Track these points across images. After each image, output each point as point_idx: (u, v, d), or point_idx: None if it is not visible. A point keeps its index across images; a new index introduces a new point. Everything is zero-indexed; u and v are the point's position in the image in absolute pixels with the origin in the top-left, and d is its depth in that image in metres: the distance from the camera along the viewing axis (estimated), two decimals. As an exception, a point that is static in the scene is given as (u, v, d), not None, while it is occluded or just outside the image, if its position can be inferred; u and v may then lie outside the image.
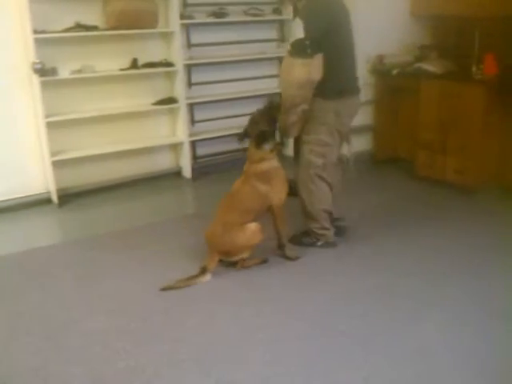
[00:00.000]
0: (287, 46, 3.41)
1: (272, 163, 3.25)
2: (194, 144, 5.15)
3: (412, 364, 2.43)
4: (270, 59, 5.36)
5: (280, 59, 5.36)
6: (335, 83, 3.24)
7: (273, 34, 5.35)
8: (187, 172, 5.04)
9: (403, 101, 5.08)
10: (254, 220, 3.21)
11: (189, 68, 4.95)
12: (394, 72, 4.81)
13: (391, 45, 5.10)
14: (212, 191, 4.37)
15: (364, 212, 4.15)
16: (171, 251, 3.54)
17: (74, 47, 4.37)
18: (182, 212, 4.37)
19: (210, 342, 2.62)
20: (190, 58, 4.90)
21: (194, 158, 5.20)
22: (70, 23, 4.21)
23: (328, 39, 3.16)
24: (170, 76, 4.87)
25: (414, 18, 5.17)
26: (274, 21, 5.29)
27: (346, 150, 3.84)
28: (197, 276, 3.12)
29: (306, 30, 3.14)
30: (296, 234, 3.61)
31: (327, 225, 3.51)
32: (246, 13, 5.06)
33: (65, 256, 3.60)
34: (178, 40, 4.67)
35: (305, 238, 3.57)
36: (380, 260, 3.42)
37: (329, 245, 3.54)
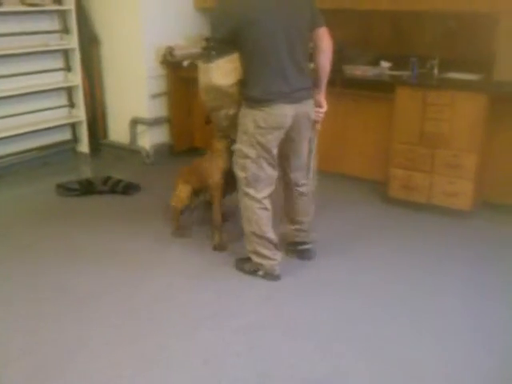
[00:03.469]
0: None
1: (219, 143, 3.32)
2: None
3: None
4: (54, 52, 5.05)
5: (65, 52, 5.11)
6: (254, 89, 2.82)
7: (54, 25, 5.04)
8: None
9: (195, 91, 5.19)
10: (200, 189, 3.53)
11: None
12: (185, 63, 4.89)
13: (179, 36, 5.15)
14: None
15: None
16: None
17: None
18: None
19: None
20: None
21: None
22: None
23: (242, 39, 2.75)
24: None
25: (198, 11, 5.30)
26: (54, 11, 4.98)
27: (303, 179, 3.19)
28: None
29: (212, 29, 2.86)
30: (242, 257, 3.23)
31: (265, 252, 3.03)
32: (22, 2, 4.68)
33: None
34: None
35: (247, 265, 3.15)
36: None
37: (270, 277, 3.08)
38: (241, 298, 2.96)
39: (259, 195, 2.96)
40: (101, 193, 4.39)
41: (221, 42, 2.79)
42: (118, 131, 5.42)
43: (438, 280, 3.13)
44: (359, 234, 3.71)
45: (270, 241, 3.03)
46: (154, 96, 5.13)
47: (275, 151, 2.94)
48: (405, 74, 4.12)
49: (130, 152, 5.32)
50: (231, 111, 2.95)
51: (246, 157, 2.92)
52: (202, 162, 3.54)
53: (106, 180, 4.46)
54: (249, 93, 2.85)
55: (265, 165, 2.93)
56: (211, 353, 2.53)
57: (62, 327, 2.73)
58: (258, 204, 2.97)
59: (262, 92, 2.81)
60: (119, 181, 4.46)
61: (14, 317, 2.81)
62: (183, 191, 3.57)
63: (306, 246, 3.32)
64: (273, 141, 2.89)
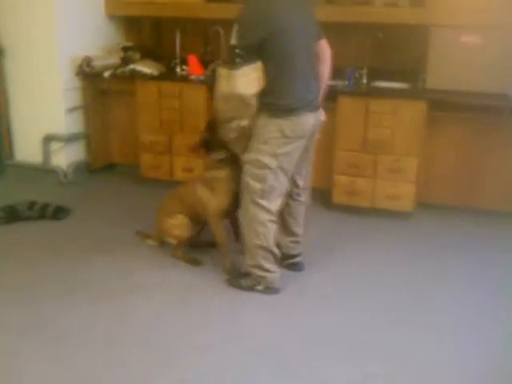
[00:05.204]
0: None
1: (218, 173, 3.17)
2: None
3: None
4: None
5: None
6: (281, 99, 2.75)
7: None
8: None
9: (116, 104, 4.91)
10: (193, 217, 3.32)
11: None
12: (107, 75, 4.58)
13: (91, 46, 4.83)
14: None
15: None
16: None
17: None
18: None
19: None
20: None
21: None
22: None
23: (268, 47, 2.67)
24: None
25: (110, 19, 5.02)
26: None
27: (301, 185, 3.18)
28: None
29: (239, 36, 2.68)
30: (235, 273, 3.15)
31: (268, 266, 2.96)
32: None
33: None
34: None
35: (244, 280, 3.06)
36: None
37: (270, 291, 3.02)
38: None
39: (272, 207, 2.89)
40: (27, 219, 3.95)
41: (247, 49, 2.69)
42: (26, 150, 4.93)
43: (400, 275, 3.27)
44: (325, 242, 3.74)
45: (274, 254, 2.98)
46: (71, 110, 4.74)
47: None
48: (339, 83, 4.24)
49: (42, 172, 4.86)
50: (243, 122, 2.82)
51: (265, 167, 2.82)
52: (185, 189, 3.39)
53: (32, 205, 4.02)
54: (275, 102, 2.77)
55: (282, 176, 2.86)
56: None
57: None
58: (269, 216, 2.90)
59: (290, 101, 2.77)
60: (47, 204, 4.04)
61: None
62: (177, 222, 3.32)
63: (299, 258, 3.29)
64: (297, 150, 2.86)
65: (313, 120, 2.86)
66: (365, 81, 4.37)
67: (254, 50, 2.69)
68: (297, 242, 3.26)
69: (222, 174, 3.16)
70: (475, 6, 3.85)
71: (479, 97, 3.84)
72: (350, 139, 4.06)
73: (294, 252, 3.27)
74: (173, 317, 2.85)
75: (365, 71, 4.37)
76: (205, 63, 4.60)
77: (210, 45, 4.83)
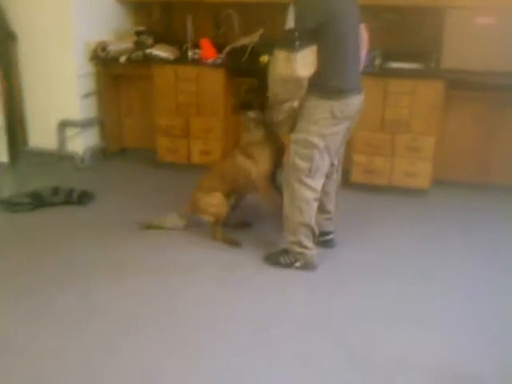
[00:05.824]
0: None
1: (254, 136, 3.30)
2: None
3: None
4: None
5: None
6: (333, 81, 2.86)
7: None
8: None
9: (130, 88, 4.94)
10: (235, 192, 3.42)
11: None
12: (123, 59, 4.59)
13: (103, 31, 4.83)
14: None
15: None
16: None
17: None
18: None
19: None
20: None
21: None
22: None
23: (324, 31, 2.77)
24: None
25: (119, 3, 5.01)
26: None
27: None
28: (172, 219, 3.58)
29: (297, 20, 2.74)
30: (272, 251, 3.24)
31: (308, 243, 3.08)
32: None
33: None
34: None
35: (282, 257, 3.15)
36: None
37: (308, 267, 3.12)
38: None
39: (317, 186, 3.01)
40: (53, 205, 3.99)
41: (305, 32, 2.76)
42: (41, 136, 4.93)
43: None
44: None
45: (313, 232, 3.10)
46: (85, 96, 4.76)
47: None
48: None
49: (58, 158, 4.87)
50: (295, 103, 2.91)
51: (314, 147, 2.92)
52: (225, 163, 3.49)
53: (56, 190, 4.06)
54: (327, 83, 2.87)
55: (326, 156, 2.98)
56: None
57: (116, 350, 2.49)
58: (314, 194, 3.02)
59: (341, 82, 2.89)
60: (71, 190, 4.08)
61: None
62: (215, 200, 3.38)
63: (332, 236, 3.40)
64: (343, 131, 2.99)
65: (358, 101, 2.99)
66: (378, 62, 4.46)
67: (312, 34, 2.78)
68: (330, 219, 3.37)
69: (258, 136, 3.30)
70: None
71: (494, 76, 3.95)
72: (368, 119, 4.12)
73: (327, 229, 3.38)
74: (220, 294, 2.95)
75: (378, 52, 4.45)
76: (217, 46, 4.64)
77: (222, 28, 4.87)
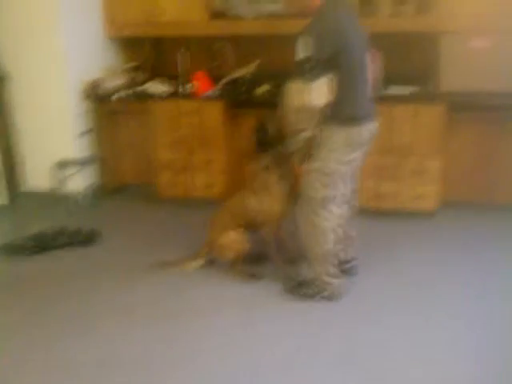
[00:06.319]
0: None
1: (269, 177, 3.22)
2: None
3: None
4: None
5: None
6: (347, 108, 2.88)
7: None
8: None
9: (127, 124, 4.89)
10: (247, 228, 3.32)
11: None
12: (117, 96, 4.54)
13: (96, 69, 4.79)
14: None
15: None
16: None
17: None
18: None
19: None
20: None
21: None
22: None
23: (338, 59, 2.78)
24: None
25: (111, 41, 4.97)
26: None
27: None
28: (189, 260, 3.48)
29: (313, 49, 2.73)
30: (292, 283, 3.23)
31: (335, 271, 3.08)
32: None
33: None
34: None
35: (305, 288, 3.13)
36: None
37: (334, 297, 3.09)
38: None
39: (340, 212, 3.04)
40: (57, 247, 3.87)
41: (320, 62, 2.76)
42: (39, 177, 4.82)
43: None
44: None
45: (338, 259, 3.12)
46: (82, 134, 4.69)
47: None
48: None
49: (57, 198, 4.75)
50: (309, 133, 2.91)
51: (334, 174, 2.93)
52: (238, 201, 3.39)
53: (62, 231, 3.97)
54: (342, 112, 2.88)
55: (344, 182, 3.01)
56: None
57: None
58: (338, 221, 3.03)
59: (357, 110, 2.92)
60: (78, 230, 4.00)
61: None
62: (235, 236, 3.32)
63: (355, 262, 3.38)
64: (360, 156, 3.02)
65: (372, 127, 3.02)
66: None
67: (326, 63, 2.78)
68: (350, 246, 3.34)
69: (275, 176, 3.23)
70: (480, 12, 4.01)
71: (494, 96, 4.01)
72: (374, 144, 4.15)
73: (349, 256, 3.35)
74: (244, 337, 2.87)
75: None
76: (213, 78, 4.62)
77: (216, 60, 4.87)
